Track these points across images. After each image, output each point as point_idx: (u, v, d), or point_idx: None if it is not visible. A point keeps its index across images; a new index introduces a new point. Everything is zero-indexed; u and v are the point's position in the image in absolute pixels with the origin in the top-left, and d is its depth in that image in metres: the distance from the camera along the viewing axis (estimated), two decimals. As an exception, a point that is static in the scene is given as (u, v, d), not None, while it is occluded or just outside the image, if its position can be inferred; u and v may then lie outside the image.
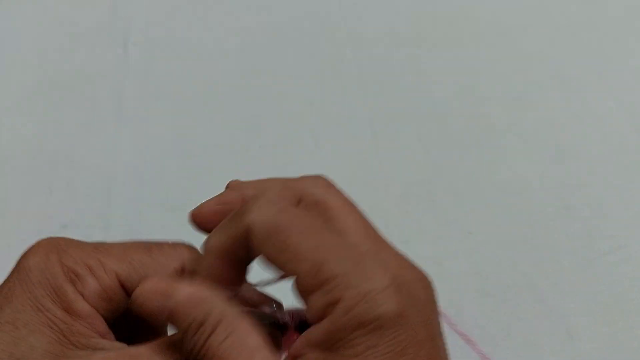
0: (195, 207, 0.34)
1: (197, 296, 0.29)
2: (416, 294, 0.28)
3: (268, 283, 0.32)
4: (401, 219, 0.62)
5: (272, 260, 0.29)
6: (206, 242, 0.32)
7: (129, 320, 0.34)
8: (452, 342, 0.30)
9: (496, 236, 0.62)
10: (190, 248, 0.34)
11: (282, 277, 0.30)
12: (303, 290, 0.28)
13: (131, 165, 0.66)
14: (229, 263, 0.31)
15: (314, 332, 0.28)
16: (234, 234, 0.30)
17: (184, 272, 0.32)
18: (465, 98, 0.73)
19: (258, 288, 0.33)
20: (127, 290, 0.32)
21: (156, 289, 0.30)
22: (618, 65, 0.75)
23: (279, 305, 0.33)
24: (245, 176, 0.69)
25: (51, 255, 0.31)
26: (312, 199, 0.31)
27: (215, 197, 0.35)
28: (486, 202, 0.64)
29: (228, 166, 0.67)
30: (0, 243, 0.59)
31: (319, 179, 0.32)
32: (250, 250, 0.30)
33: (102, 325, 0.31)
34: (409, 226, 0.61)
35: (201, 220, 0.34)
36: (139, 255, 0.32)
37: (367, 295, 0.27)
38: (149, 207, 0.63)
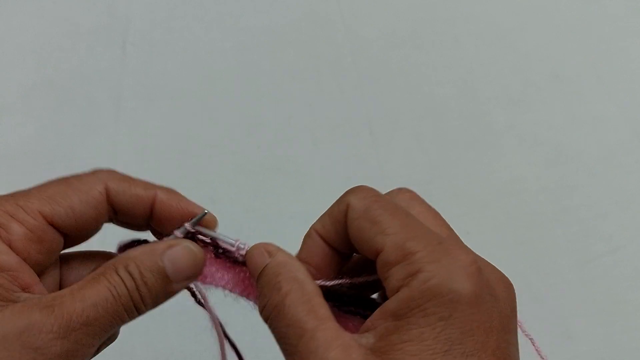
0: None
1: (289, 262, 0.31)
2: (495, 286, 0.29)
3: (352, 282, 0.33)
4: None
5: (363, 234, 0.30)
6: (311, 227, 0.33)
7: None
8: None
9: (494, 237, 0.62)
10: (112, 171, 0.35)
11: (363, 280, 0.32)
12: (386, 264, 0.29)
13: (130, 165, 0.66)
14: (327, 247, 0.33)
15: (389, 303, 0.29)
16: (336, 214, 0.32)
17: (109, 194, 0.33)
18: (463, 99, 0.73)
19: (344, 285, 0.34)
20: (57, 227, 0.32)
21: (265, 248, 0.32)
22: (616, 67, 0.75)
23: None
24: (244, 176, 0.70)
25: None
26: (395, 202, 0.32)
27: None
28: (484, 203, 0.64)
29: (227, 166, 0.67)
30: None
31: (404, 191, 0.34)
32: (347, 227, 0.31)
33: (29, 276, 0.31)
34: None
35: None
36: (59, 189, 0.33)
37: (447, 269, 0.28)
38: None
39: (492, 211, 0.63)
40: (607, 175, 0.66)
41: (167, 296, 0.32)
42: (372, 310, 0.30)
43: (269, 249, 0.32)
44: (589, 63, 0.76)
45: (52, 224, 0.32)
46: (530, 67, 0.76)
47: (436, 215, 0.33)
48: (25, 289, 0.30)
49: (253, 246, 0.32)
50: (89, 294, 0.29)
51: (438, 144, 0.69)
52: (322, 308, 0.29)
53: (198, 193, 0.66)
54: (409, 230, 0.30)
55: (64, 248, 0.33)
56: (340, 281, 0.33)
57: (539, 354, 0.35)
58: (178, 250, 0.32)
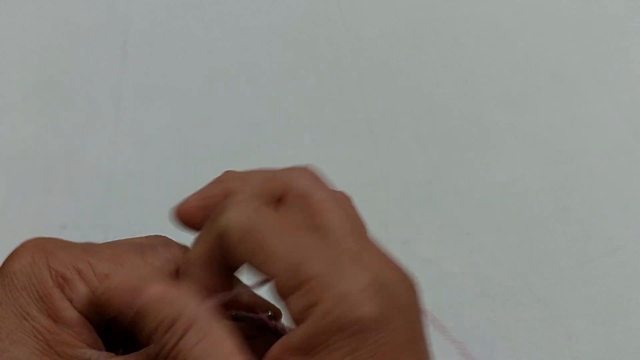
0: (177, 203, 0.33)
1: (169, 295, 0.28)
2: (398, 295, 0.27)
3: (259, 285, 0.30)
4: (400, 219, 0.62)
5: (251, 263, 0.28)
6: (188, 253, 0.30)
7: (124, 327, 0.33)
8: (436, 341, 0.30)
9: (495, 237, 0.62)
10: (183, 248, 0.32)
11: (265, 281, 0.29)
12: (281, 293, 0.27)
13: (131, 165, 0.66)
14: (213, 271, 0.29)
15: (292, 337, 0.27)
16: (211, 241, 0.29)
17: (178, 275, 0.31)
18: (463, 99, 0.73)
19: (253, 290, 0.32)
20: None
21: (125, 285, 0.28)
22: (617, 67, 0.75)
23: (278, 311, 0.32)
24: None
25: (38, 258, 0.29)
26: (296, 193, 0.30)
27: (198, 191, 0.34)
28: (485, 203, 0.64)
29: (227, 166, 0.67)
30: None
31: (305, 171, 0.32)
32: (228, 255, 0.28)
33: (91, 334, 0.29)
34: (407, 227, 0.61)
35: (184, 217, 0.32)
36: (131, 257, 0.31)
37: (345, 297, 0.26)
38: (149, 207, 0.63)
39: (492, 211, 0.63)
40: (608, 175, 0.66)
41: None
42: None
43: (131, 283, 0.28)
44: (589, 63, 0.76)
45: None
46: (530, 67, 0.75)
47: (337, 205, 0.30)
48: (89, 346, 0.29)
49: (102, 286, 0.29)
50: None
51: (438, 144, 0.69)
52: (225, 341, 0.27)
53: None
54: (301, 250, 0.27)
55: None
56: (237, 291, 0.30)
57: (455, 345, 0.33)
58: None
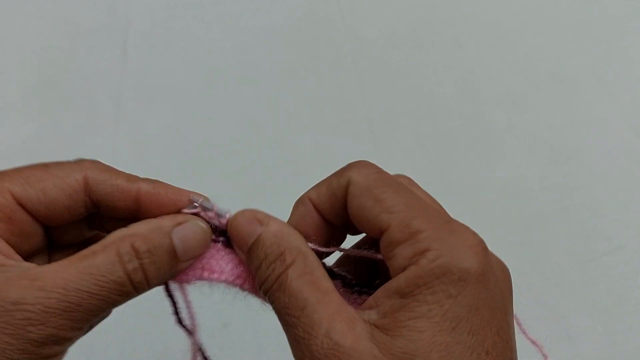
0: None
1: (286, 231, 0.30)
2: (497, 269, 0.30)
3: (353, 252, 0.32)
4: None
5: (366, 213, 0.30)
6: (304, 193, 0.32)
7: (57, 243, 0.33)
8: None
9: (495, 236, 0.61)
10: (95, 161, 0.33)
11: (368, 253, 0.31)
12: (391, 242, 0.29)
13: (130, 165, 0.66)
14: (319, 217, 0.32)
15: (394, 281, 0.28)
16: (334, 186, 0.31)
17: (88, 184, 0.32)
18: (463, 99, 0.73)
19: (345, 252, 0.33)
20: (27, 210, 0.31)
21: (254, 216, 0.31)
22: (617, 67, 0.75)
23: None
24: (243, 176, 0.69)
25: None
26: (396, 181, 0.32)
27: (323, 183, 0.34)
28: (485, 203, 0.64)
29: (227, 166, 0.67)
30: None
31: (403, 176, 0.33)
32: (347, 204, 0.30)
33: (5, 248, 0.30)
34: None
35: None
36: (34, 172, 0.32)
37: (454, 248, 0.28)
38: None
39: (492, 211, 0.63)
40: (608, 174, 0.66)
41: (172, 276, 0.31)
42: (373, 289, 0.29)
43: (258, 217, 0.30)
44: (589, 63, 0.76)
45: (22, 206, 0.31)
46: (530, 67, 0.76)
47: (435, 200, 0.33)
48: (6, 257, 0.29)
49: (237, 213, 0.31)
50: (74, 275, 0.27)
51: (438, 144, 0.69)
52: (325, 281, 0.29)
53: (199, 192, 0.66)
54: (415, 209, 0.29)
55: (48, 240, 0.32)
56: (335, 249, 0.32)
57: (528, 338, 0.34)
58: (188, 227, 0.31)
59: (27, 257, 0.31)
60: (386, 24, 0.80)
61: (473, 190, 0.65)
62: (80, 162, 0.33)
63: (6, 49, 0.77)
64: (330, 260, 0.33)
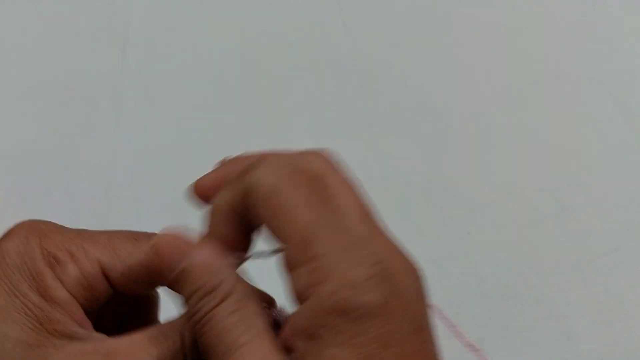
0: (194, 180, 0.33)
1: (213, 263, 0.28)
2: (404, 285, 0.27)
3: (271, 254, 0.30)
4: (400, 219, 0.62)
5: (268, 223, 0.28)
6: (213, 202, 0.31)
7: (114, 313, 0.33)
8: (441, 333, 0.30)
9: (494, 237, 0.62)
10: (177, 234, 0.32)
11: (277, 251, 0.29)
12: (290, 262, 0.27)
13: (131, 166, 0.67)
14: (234, 223, 0.30)
15: (298, 317, 0.27)
16: (238, 192, 0.29)
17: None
18: (463, 99, 0.73)
19: (253, 259, 0.31)
20: (109, 281, 0.31)
21: (177, 243, 0.29)
22: (616, 66, 0.75)
23: (271, 300, 0.31)
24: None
25: (31, 238, 0.30)
26: (312, 174, 0.29)
27: (215, 169, 0.34)
28: (484, 203, 0.64)
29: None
30: None
31: (319, 155, 0.31)
32: (249, 212, 0.28)
33: (81, 314, 0.29)
34: (407, 226, 0.61)
35: (202, 192, 0.33)
36: (124, 243, 0.31)
37: (352, 281, 0.26)
38: (148, 207, 0.63)
39: (492, 211, 0.63)
40: (608, 175, 0.66)
41: None
42: None
43: (187, 240, 0.29)
44: (589, 63, 0.76)
45: (105, 276, 0.30)
46: (530, 67, 0.76)
47: (350, 190, 0.30)
48: (80, 324, 0.29)
49: (161, 233, 0.29)
50: (146, 357, 0.28)
51: (438, 144, 0.69)
52: (258, 318, 0.27)
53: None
54: (317, 226, 0.27)
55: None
56: (252, 254, 0.30)
57: (460, 338, 0.33)
58: None
59: (87, 314, 0.31)
60: (386, 24, 0.80)
61: (473, 190, 0.65)
62: (166, 237, 0.32)
63: (6, 49, 0.77)
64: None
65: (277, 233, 0.28)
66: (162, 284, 0.32)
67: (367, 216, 0.29)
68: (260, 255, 0.31)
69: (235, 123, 0.70)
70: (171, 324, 0.29)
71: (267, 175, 0.28)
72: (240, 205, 0.29)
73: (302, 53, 0.77)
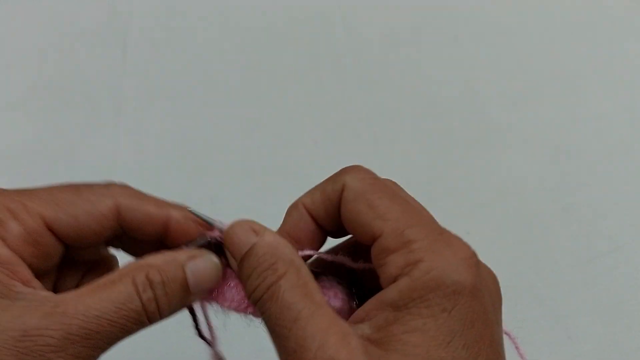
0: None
1: (280, 243, 0.30)
2: (489, 276, 0.30)
3: (329, 257, 0.32)
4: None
5: (360, 218, 0.30)
6: (298, 199, 0.32)
7: (71, 281, 0.34)
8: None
9: (495, 236, 0.62)
10: (125, 186, 0.33)
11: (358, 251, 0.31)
12: (383, 250, 0.29)
13: (130, 165, 0.67)
14: (313, 223, 0.32)
15: (387, 292, 0.28)
16: (329, 191, 0.31)
17: (118, 210, 0.32)
18: (464, 98, 0.73)
19: (323, 256, 0.33)
20: (55, 233, 0.31)
21: (249, 226, 0.30)
22: (617, 66, 0.75)
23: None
24: (244, 176, 0.69)
25: None
26: (383, 182, 0.32)
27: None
28: (485, 202, 0.64)
29: (227, 166, 0.67)
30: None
31: (389, 181, 0.33)
32: (341, 209, 0.30)
33: (26, 273, 0.30)
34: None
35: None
36: (66, 195, 0.31)
37: (448, 260, 0.28)
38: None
39: (492, 211, 0.63)
40: (608, 174, 0.66)
41: (182, 308, 0.31)
42: (360, 297, 0.29)
43: (254, 227, 0.30)
44: (589, 63, 0.76)
45: (51, 230, 0.31)
46: (530, 67, 0.76)
47: (424, 208, 0.32)
48: (24, 283, 0.29)
49: (235, 223, 0.31)
50: (95, 303, 0.28)
51: (438, 144, 0.69)
52: (318, 294, 0.28)
53: (198, 193, 0.66)
54: (409, 217, 0.29)
55: (63, 256, 0.32)
56: (322, 254, 0.32)
57: (519, 353, 0.35)
58: (201, 262, 0.31)
59: (40, 275, 0.31)
60: (386, 24, 0.80)
61: (473, 190, 0.65)
62: (110, 186, 0.33)
63: (6, 49, 0.77)
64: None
65: (371, 224, 0.29)
66: (109, 237, 0.32)
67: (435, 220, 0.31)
68: (333, 258, 0.32)
69: (236, 122, 0.70)
70: (120, 271, 0.30)
71: (355, 179, 0.31)
72: (326, 203, 0.31)
73: (303, 53, 0.77)
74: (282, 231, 0.32)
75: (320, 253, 0.32)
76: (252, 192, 0.64)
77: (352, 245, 0.34)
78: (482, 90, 0.74)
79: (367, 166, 0.69)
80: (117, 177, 0.64)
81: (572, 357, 0.55)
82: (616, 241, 0.61)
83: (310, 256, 0.32)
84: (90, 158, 0.67)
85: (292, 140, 0.69)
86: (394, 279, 0.28)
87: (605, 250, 0.61)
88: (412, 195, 0.33)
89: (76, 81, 0.74)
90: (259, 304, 0.29)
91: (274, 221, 0.33)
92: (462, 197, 0.64)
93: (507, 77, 0.75)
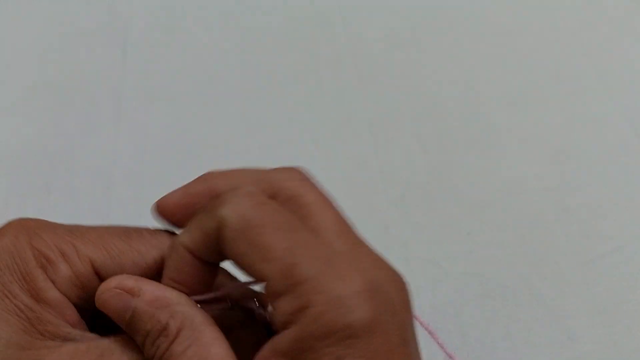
0: (160, 198, 0.33)
1: (163, 298, 0.28)
2: (390, 297, 0.27)
3: (248, 284, 0.30)
4: (400, 220, 0.62)
5: (243, 260, 0.27)
6: (176, 239, 0.30)
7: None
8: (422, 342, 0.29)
9: (495, 237, 0.62)
10: (172, 235, 0.32)
11: (254, 282, 0.28)
12: (272, 294, 0.26)
13: (131, 166, 0.66)
14: (198, 262, 0.29)
15: (280, 340, 0.26)
16: (206, 230, 0.28)
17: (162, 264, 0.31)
18: (464, 99, 0.73)
19: (240, 287, 0.31)
20: (101, 278, 0.30)
21: (122, 287, 0.28)
22: (617, 66, 0.75)
23: (266, 299, 0.31)
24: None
25: (21, 237, 0.29)
26: (287, 193, 0.30)
27: (181, 187, 0.33)
28: (485, 203, 0.64)
29: (227, 166, 0.67)
30: None
31: (294, 172, 0.32)
32: (221, 249, 0.28)
33: (73, 315, 0.29)
34: (407, 227, 0.61)
35: (165, 213, 0.32)
36: (116, 241, 0.31)
37: (338, 301, 0.25)
38: (148, 207, 0.63)
39: (492, 211, 0.63)
40: (609, 174, 0.66)
41: None
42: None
43: (126, 287, 0.28)
44: (589, 63, 0.76)
45: (97, 274, 0.30)
46: (530, 67, 0.76)
47: (328, 206, 0.30)
48: (73, 326, 0.29)
49: (102, 287, 0.29)
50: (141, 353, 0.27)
51: (438, 145, 0.69)
52: (217, 347, 0.27)
53: (198, 193, 0.66)
54: (297, 252, 0.26)
55: None
56: (216, 294, 0.30)
57: (442, 349, 0.33)
58: None
59: (83, 316, 0.31)
60: (386, 24, 0.80)
61: (473, 189, 0.65)
62: (158, 234, 0.32)
63: (6, 49, 0.77)
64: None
65: (253, 268, 0.27)
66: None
67: (346, 231, 0.28)
68: (233, 291, 0.30)
69: (235, 123, 0.70)
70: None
71: (238, 206, 0.27)
72: (206, 242, 0.28)
73: (303, 53, 0.77)
74: (165, 278, 0.30)
75: (216, 293, 0.30)
76: (252, 192, 0.64)
77: None
78: (482, 90, 0.74)
79: (366, 166, 0.69)
80: (117, 177, 0.65)
81: (572, 358, 0.55)
82: (617, 242, 0.61)
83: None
84: (90, 158, 0.67)
85: (292, 140, 0.69)
86: (285, 326, 0.26)
87: (605, 251, 0.61)
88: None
89: (76, 81, 0.74)
90: None
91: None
92: (461, 198, 0.64)
93: (507, 77, 0.75)
